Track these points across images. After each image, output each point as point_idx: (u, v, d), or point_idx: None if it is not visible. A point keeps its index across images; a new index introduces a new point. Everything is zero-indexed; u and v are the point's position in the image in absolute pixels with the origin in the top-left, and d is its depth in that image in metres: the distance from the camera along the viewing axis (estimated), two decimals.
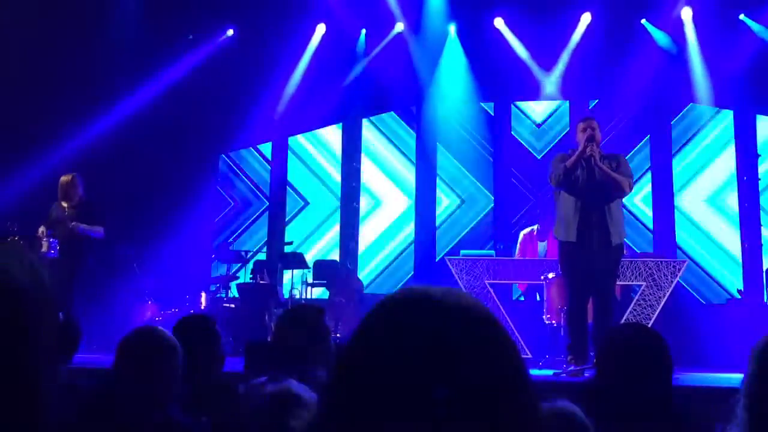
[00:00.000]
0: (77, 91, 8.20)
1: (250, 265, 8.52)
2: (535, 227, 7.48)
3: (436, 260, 9.06)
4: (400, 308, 0.75)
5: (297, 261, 8.53)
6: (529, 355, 6.64)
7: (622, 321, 6.47)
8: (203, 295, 7.89)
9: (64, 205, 6.68)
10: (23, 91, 7.81)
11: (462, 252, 7.46)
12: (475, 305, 0.75)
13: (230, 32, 9.30)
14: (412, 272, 9.26)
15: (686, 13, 8.62)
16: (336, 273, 8.56)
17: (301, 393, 2.07)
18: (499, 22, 9.02)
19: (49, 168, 7.55)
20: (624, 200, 5.69)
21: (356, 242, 9.41)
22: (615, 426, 2.34)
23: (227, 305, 7.84)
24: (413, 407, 0.68)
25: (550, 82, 8.99)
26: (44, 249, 6.34)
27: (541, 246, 7.39)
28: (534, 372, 5.90)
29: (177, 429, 1.97)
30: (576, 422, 1.66)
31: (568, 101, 9.14)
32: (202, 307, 7.73)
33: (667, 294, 6.67)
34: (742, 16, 8.50)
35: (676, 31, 8.68)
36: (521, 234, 7.65)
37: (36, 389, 0.88)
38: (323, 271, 8.61)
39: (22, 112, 7.79)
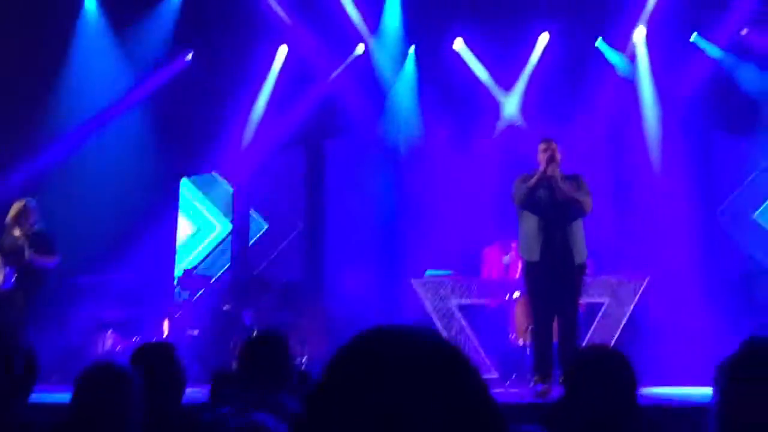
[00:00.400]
0: (31, 112, 8.04)
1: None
2: (497, 242, 7.56)
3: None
4: (365, 354, 0.74)
5: (261, 285, 8.44)
6: (496, 375, 6.65)
7: (586, 338, 6.54)
8: (166, 322, 7.75)
9: (16, 233, 6.49)
10: None
11: (427, 273, 7.46)
12: (443, 348, 0.75)
13: (189, 57, 9.22)
14: (377, 292, 9.22)
15: (639, 34, 8.82)
16: (300, 295, 8.49)
17: (268, 426, 2.03)
18: (458, 44, 9.13)
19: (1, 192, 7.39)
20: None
21: (321, 264, 9.35)
22: None
23: (191, 332, 7.71)
24: None
25: (510, 103, 9.10)
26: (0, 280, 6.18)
27: (505, 258, 7.45)
28: (500, 392, 5.91)
29: None
30: None
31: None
32: (165, 335, 7.59)
33: (629, 311, 6.76)
34: (694, 37, 8.72)
35: (630, 52, 8.88)
36: (484, 251, 7.70)
37: None
38: (287, 294, 8.53)
39: None
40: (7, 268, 6.25)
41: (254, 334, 2.83)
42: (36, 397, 3.65)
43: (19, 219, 6.48)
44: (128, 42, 8.78)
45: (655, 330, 7.58)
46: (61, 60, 8.35)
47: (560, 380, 4.48)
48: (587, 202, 5.45)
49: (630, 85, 8.89)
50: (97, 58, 8.58)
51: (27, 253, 6.33)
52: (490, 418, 0.72)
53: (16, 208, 6.52)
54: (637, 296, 6.88)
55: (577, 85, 8.73)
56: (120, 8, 8.71)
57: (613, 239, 8.11)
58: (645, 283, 6.93)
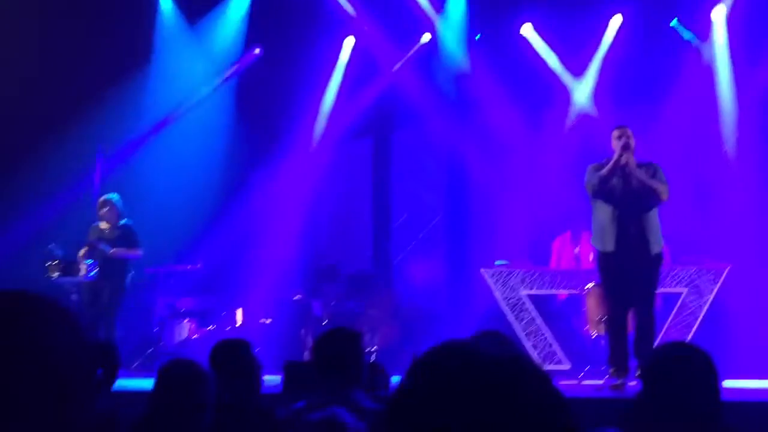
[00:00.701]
0: (117, 109, 8.34)
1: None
2: (568, 232, 7.43)
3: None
4: (442, 367, 0.73)
5: (331, 274, 8.53)
6: (569, 367, 6.54)
7: (663, 330, 6.36)
8: (239, 311, 7.93)
9: (103, 226, 6.80)
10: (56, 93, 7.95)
11: (496, 262, 7.39)
12: (525, 365, 0.73)
13: (257, 51, 9.36)
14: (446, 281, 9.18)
15: (718, 13, 8.45)
16: (370, 285, 8.54)
17: (347, 422, 2.05)
18: (526, 29, 8.95)
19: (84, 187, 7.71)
20: None
21: (389, 252, 9.38)
22: None
23: (263, 321, 7.88)
24: None
25: (581, 90, 8.88)
26: (82, 272, 6.45)
27: (575, 249, 7.32)
28: (573, 384, 5.81)
29: None
30: None
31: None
32: (238, 324, 7.77)
33: (709, 301, 6.53)
34: None
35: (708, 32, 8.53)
36: (554, 241, 7.58)
37: None
38: (357, 283, 8.60)
39: (59, 127, 7.92)
40: (90, 261, 6.52)
41: (329, 329, 2.86)
42: (119, 384, 3.81)
43: (105, 214, 6.76)
44: (202, 39, 8.99)
45: (736, 321, 7.31)
46: (141, 58, 8.61)
47: (636, 374, 4.37)
48: (663, 190, 5.27)
49: (707, 67, 8.54)
50: (174, 55, 8.83)
51: (110, 251, 6.59)
52: None
53: (102, 203, 6.82)
54: (717, 286, 6.63)
55: (651, 69, 8.44)
56: (192, 6, 8.92)
57: (692, 227, 7.84)
58: (725, 273, 6.68)
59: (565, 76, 8.93)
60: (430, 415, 0.70)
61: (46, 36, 8.01)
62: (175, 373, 2.05)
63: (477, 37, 8.92)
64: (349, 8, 8.94)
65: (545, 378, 0.75)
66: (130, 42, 8.47)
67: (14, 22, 7.84)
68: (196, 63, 9.05)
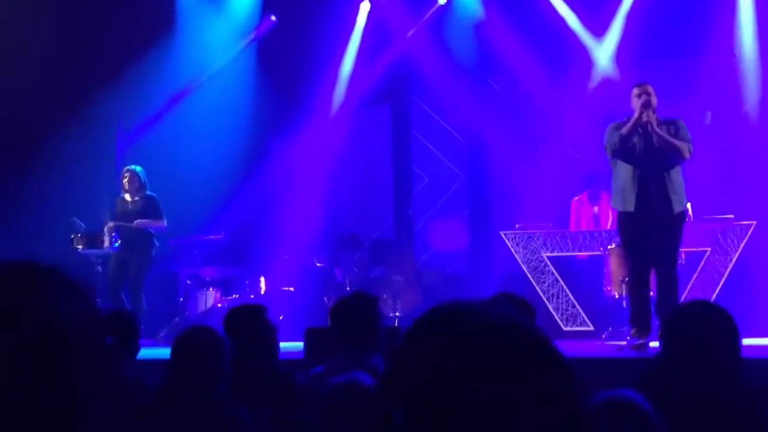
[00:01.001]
0: (140, 82, 8.38)
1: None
2: (585, 192, 7.38)
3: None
4: (439, 326, 0.73)
5: (353, 241, 8.56)
6: (592, 328, 6.54)
7: (687, 290, 6.31)
8: (262, 279, 8.00)
9: (127, 198, 6.88)
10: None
11: (518, 225, 7.36)
12: (520, 325, 0.72)
13: (273, 18, 9.31)
14: (468, 246, 9.18)
15: None
16: (392, 251, 8.57)
17: (368, 385, 2.07)
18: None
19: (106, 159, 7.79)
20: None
21: (411, 219, 9.38)
22: (682, 405, 2.28)
23: (286, 289, 7.95)
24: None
25: (602, 51, 8.70)
26: (106, 244, 6.54)
27: (594, 209, 7.26)
28: (596, 344, 5.82)
29: (235, 422, 2.00)
30: (639, 413, 1.62)
31: None
32: (262, 293, 7.85)
33: (734, 259, 6.46)
34: None
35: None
36: (572, 202, 7.52)
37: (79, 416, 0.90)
38: (379, 250, 8.62)
39: (86, 101, 7.98)
40: (113, 233, 6.60)
41: (346, 294, 2.87)
42: (145, 353, 3.88)
43: (129, 186, 6.83)
44: (220, 9, 8.96)
45: (762, 280, 7.23)
46: (163, 30, 8.60)
47: (658, 335, 4.35)
48: (686, 147, 5.17)
49: (730, 21, 8.31)
50: (193, 27, 8.80)
51: (134, 222, 6.66)
52: (568, 402, 0.70)
53: (126, 175, 6.88)
54: (743, 244, 6.55)
55: (673, 28, 8.24)
56: None
57: (716, 183, 7.71)
58: (751, 230, 6.58)
59: (586, 37, 8.75)
60: (424, 381, 0.69)
61: (64, 13, 8.02)
62: (191, 341, 2.08)
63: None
64: None
65: (545, 343, 0.74)
66: (151, 15, 8.46)
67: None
68: (215, 33, 9.01)
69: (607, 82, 8.57)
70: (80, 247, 6.53)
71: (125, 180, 6.87)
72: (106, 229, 6.64)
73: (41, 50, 7.86)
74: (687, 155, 5.19)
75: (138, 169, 6.96)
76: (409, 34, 9.09)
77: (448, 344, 0.70)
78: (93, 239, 6.54)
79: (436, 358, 0.70)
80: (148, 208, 6.85)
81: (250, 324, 2.78)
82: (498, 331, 0.71)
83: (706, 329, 2.30)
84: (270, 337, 2.81)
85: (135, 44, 8.34)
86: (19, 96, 7.65)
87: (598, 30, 8.71)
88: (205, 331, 2.09)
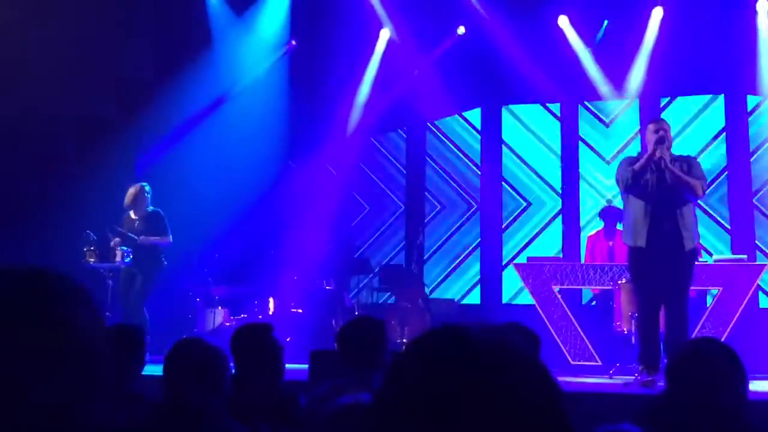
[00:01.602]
0: (156, 96, 8.49)
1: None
2: (601, 227, 7.37)
3: (503, 264, 8.96)
4: (432, 349, 0.74)
5: (363, 266, 8.57)
6: (599, 363, 6.48)
7: (697, 328, 6.26)
8: (271, 300, 8.02)
9: (133, 216, 6.91)
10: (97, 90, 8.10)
11: (528, 257, 7.34)
12: (514, 350, 0.73)
13: (293, 42, 9.43)
14: (479, 276, 9.17)
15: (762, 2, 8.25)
16: (402, 278, 8.57)
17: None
18: (563, 21, 8.84)
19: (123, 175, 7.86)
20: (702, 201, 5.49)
21: (422, 247, 9.39)
22: None
23: (295, 310, 7.95)
24: None
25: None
26: (118, 258, 6.57)
27: (609, 244, 7.25)
28: (603, 382, 5.76)
29: None
30: None
31: (637, 100, 8.88)
32: (270, 313, 7.85)
33: (746, 300, 6.40)
34: None
35: (748, 18, 8.32)
36: (588, 236, 7.52)
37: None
38: (389, 276, 8.63)
39: (99, 116, 8.08)
40: (126, 248, 6.64)
41: (353, 317, 2.88)
42: (150, 369, 3.89)
43: (135, 202, 6.87)
44: (248, 30, 9.08)
45: None
46: (189, 50, 8.72)
47: (664, 372, 4.31)
48: (700, 185, 5.16)
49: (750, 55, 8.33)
50: (222, 49, 8.92)
51: (138, 239, 6.69)
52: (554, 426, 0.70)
53: (131, 192, 6.92)
54: (755, 284, 6.50)
55: (692, 58, 8.28)
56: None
57: (730, 222, 7.69)
58: (763, 272, 6.54)
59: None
60: (412, 402, 0.70)
61: (88, 30, 8.16)
62: (182, 352, 2.07)
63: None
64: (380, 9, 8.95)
65: (535, 367, 0.74)
66: (180, 35, 8.59)
67: (63, 16, 8.00)
68: (238, 56, 9.12)
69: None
70: (92, 260, 6.57)
71: (130, 196, 6.90)
72: (112, 244, 6.67)
73: (66, 66, 8.00)
74: (701, 193, 5.18)
75: (144, 185, 7.01)
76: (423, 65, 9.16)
77: (439, 366, 0.71)
78: (105, 253, 6.59)
79: (425, 379, 0.70)
80: (153, 223, 6.87)
81: (257, 343, 2.79)
82: (491, 355, 0.72)
83: (712, 367, 2.27)
84: (276, 356, 2.82)
85: (158, 65, 8.46)
86: (41, 114, 7.76)
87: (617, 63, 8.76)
88: (197, 343, 2.08)
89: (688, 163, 5.27)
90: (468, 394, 0.68)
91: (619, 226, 7.05)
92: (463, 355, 0.71)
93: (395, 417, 0.70)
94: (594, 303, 7.78)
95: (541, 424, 0.69)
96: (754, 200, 8.41)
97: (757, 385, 4.86)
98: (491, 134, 9.35)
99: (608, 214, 7.42)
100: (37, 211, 7.78)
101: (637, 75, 8.56)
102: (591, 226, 8.36)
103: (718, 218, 8.46)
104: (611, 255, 7.16)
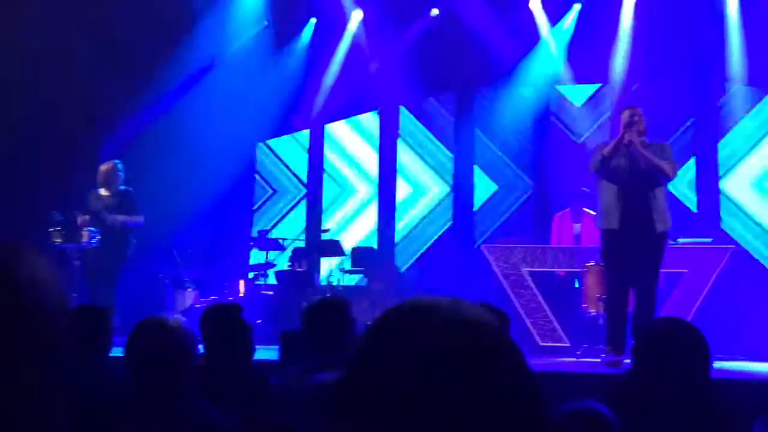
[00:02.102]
0: (119, 76, 8.32)
1: (288, 253, 8.57)
2: (567, 210, 7.45)
3: (475, 247, 9.01)
4: (399, 321, 0.73)
5: (334, 248, 8.56)
6: (567, 344, 6.56)
7: (662, 310, 6.36)
8: (242, 282, 7.97)
9: (103, 193, 6.78)
10: (73, 70, 7.93)
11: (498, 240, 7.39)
12: (480, 320, 0.73)
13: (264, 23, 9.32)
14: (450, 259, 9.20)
15: None
16: (374, 260, 8.57)
17: None
18: (534, 5, 8.85)
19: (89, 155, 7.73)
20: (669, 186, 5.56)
21: (393, 229, 9.40)
22: (650, 421, 2.30)
23: (265, 292, 7.92)
24: (404, 420, 0.66)
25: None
26: (84, 239, 6.47)
27: (576, 227, 7.32)
28: (571, 361, 5.84)
29: (203, 419, 1.98)
30: (602, 423, 1.63)
31: (608, 84, 8.94)
32: (241, 295, 7.82)
33: (710, 282, 6.52)
34: None
35: (718, 7, 8.41)
36: (555, 216, 7.58)
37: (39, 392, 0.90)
38: (361, 258, 8.63)
39: (69, 95, 7.91)
40: (92, 228, 6.53)
41: (318, 299, 2.87)
42: (119, 351, 3.85)
43: (107, 180, 6.75)
44: (223, 9, 8.93)
45: (737, 303, 7.31)
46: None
47: (630, 351, 4.38)
48: (670, 168, 5.22)
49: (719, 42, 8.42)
50: (196, 25, 8.76)
51: (109, 218, 6.57)
52: (529, 400, 0.70)
53: (103, 169, 6.79)
54: (720, 267, 6.61)
55: (663, 44, 8.35)
56: None
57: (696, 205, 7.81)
58: (728, 254, 6.66)
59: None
60: (378, 379, 0.69)
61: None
62: (143, 332, 2.05)
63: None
64: None
65: (508, 344, 0.74)
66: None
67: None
68: (210, 35, 8.97)
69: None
70: (59, 240, 6.45)
71: (103, 173, 6.77)
72: (79, 222, 6.53)
73: (36, 39, 7.80)
74: (671, 174, 5.25)
75: (117, 163, 6.89)
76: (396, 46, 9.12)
77: (405, 337, 0.70)
78: (72, 233, 6.47)
79: (392, 351, 0.69)
80: (125, 202, 6.74)
81: (225, 323, 2.77)
82: (459, 324, 0.71)
83: (677, 345, 2.31)
84: (245, 336, 2.80)
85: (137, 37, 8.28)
86: (4, 87, 7.58)
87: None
88: (159, 322, 2.05)
89: (661, 147, 5.35)
90: (435, 370, 0.67)
91: (590, 211, 7.13)
92: (430, 329, 0.70)
93: (360, 394, 0.69)
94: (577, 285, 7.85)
95: (515, 399, 0.69)
96: (719, 185, 8.56)
97: (721, 367, 4.97)
98: (464, 118, 9.36)
99: (576, 196, 7.49)
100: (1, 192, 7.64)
101: (612, 59, 8.63)
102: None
103: (685, 203, 8.60)
104: (577, 238, 7.23)
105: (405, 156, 9.54)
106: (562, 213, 7.49)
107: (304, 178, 9.77)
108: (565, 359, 6.04)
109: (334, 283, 8.25)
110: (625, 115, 5.29)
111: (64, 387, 0.94)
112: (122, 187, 6.83)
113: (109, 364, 3.13)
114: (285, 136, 9.82)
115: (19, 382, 0.89)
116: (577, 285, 7.09)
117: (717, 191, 8.56)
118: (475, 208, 9.23)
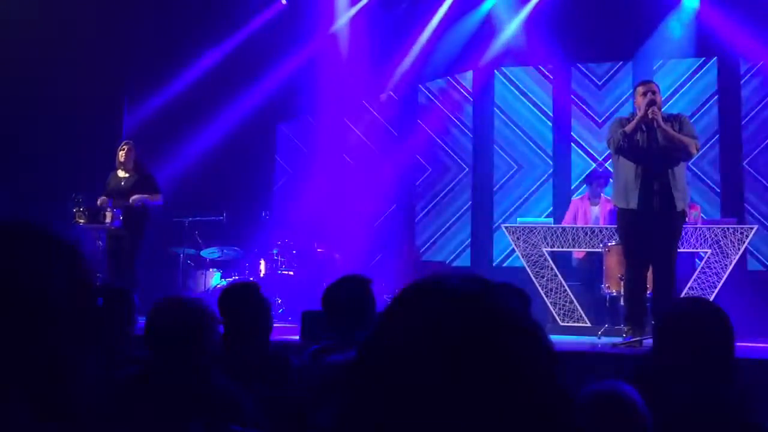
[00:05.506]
0: (143, 58, 8.35)
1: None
2: (586, 192, 7.39)
3: (493, 227, 8.97)
4: (418, 301, 0.72)
5: (354, 227, 8.56)
6: (588, 324, 6.54)
7: (686, 290, 6.31)
8: (262, 262, 8.01)
9: (121, 174, 6.81)
10: (85, 56, 7.97)
11: (519, 220, 7.35)
12: (501, 299, 0.72)
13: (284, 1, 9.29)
14: (469, 239, 9.18)
15: None
16: (391, 237, 8.58)
17: None
18: None
19: (110, 136, 7.78)
20: (690, 163, 5.46)
21: (414, 208, 9.39)
22: (673, 401, 2.28)
23: (285, 272, 7.96)
24: (422, 401, 0.65)
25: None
26: (108, 220, 6.52)
27: (594, 210, 7.26)
28: (592, 341, 5.82)
29: (222, 397, 1.99)
30: (625, 403, 1.62)
31: (631, 62, 8.82)
32: (261, 275, 7.86)
33: (734, 261, 6.44)
34: None
35: None
36: (572, 200, 7.54)
37: (65, 374, 0.91)
38: (381, 236, 8.64)
39: (87, 79, 7.96)
40: (115, 209, 6.58)
41: (339, 277, 2.87)
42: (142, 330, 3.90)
43: (125, 160, 6.78)
44: None
45: (761, 283, 7.23)
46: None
47: (652, 331, 4.34)
48: (693, 143, 5.11)
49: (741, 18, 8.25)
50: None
51: (131, 198, 6.61)
52: (543, 378, 0.69)
53: (122, 150, 6.82)
54: (744, 246, 6.53)
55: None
56: None
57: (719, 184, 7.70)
58: (752, 234, 6.57)
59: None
60: (393, 359, 0.68)
61: None
62: (164, 310, 2.06)
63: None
64: None
65: (524, 320, 0.72)
66: None
67: None
68: (235, 10, 8.96)
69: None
70: (82, 221, 6.51)
71: (121, 154, 6.79)
72: (99, 202, 6.57)
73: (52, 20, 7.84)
74: (694, 151, 5.14)
75: (134, 144, 6.90)
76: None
77: (422, 315, 0.69)
78: (95, 214, 6.53)
79: (409, 329, 0.68)
80: (144, 183, 6.77)
81: (244, 301, 2.78)
82: (478, 304, 0.70)
83: (700, 326, 2.29)
84: (264, 313, 2.81)
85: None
86: (27, 68, 7.64)
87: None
88: (177, 301, 2.06)
89: (679, 121, 5.23)
90: (454, 350, 0.67)
91: (606, 193, 7.06)
92: (448, 309, 0.69)
93: (376, 373, 0.69)
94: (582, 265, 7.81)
95: (534, 378, 0.68)
96: (744, 164, 8.42)
97: (744, 347, 4.91)
98: (484, 97, 9.29)
99: (593, 177, 7.43)
100: (23, 174, 7.72)
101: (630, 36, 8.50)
102: (582, 189, 8.36)
103: (709, 182, 8.48)
104: (596, 220, 7.18)
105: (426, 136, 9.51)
106: (580, 197, 7.44)
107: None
108: (586, 339, 6.02)
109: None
110: (640, 92, 5.17)
111: (87, 365, 0.95)
112: (141, 168, 6.86)
113: (132, 342, 3.17)
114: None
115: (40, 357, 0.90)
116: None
117: (741, 170, 8.42)
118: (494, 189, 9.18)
